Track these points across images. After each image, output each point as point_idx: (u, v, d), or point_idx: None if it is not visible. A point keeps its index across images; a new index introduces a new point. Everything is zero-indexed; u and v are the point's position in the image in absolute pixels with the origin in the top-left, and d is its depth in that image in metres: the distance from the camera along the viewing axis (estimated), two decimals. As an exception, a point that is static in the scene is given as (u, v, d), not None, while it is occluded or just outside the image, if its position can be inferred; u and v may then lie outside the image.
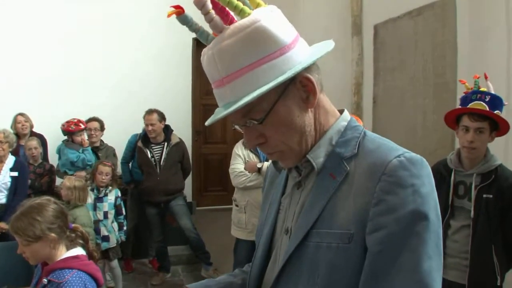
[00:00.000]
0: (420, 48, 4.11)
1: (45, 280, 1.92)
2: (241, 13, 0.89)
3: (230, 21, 0.91)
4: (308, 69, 0.92)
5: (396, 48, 4.43)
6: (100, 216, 4.04)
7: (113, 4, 5.77)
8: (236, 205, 3.74)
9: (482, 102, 2.16)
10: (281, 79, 0.86)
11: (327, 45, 0.96)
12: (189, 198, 5.87)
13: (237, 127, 0.97)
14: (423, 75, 4.08)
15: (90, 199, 4.04)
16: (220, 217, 5.93)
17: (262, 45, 0.87)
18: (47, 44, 5.56)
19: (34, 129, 5.01)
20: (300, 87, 0.92)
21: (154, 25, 5.73)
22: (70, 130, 4.74)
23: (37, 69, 5.50)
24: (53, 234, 1.93)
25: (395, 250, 0.82)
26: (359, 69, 4.97)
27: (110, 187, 4.15)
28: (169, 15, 0.96)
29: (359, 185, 0.88)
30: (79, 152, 4.64)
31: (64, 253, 1.97)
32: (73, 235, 2.08)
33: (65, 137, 4.85)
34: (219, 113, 0.91)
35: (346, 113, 1.03)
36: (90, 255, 2.10)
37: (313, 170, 0.96)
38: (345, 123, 1.00)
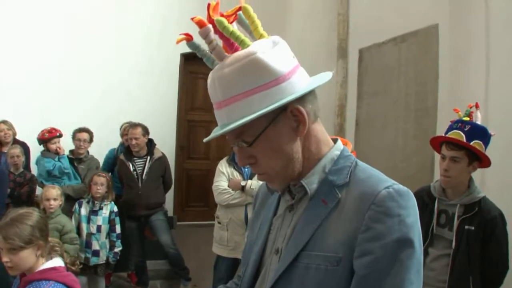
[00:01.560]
0: (403, 73, 4.23)
1: None
2: (242, 44, 0.97)
3: (235, 50, 0.98)
4: (301, 99, 0.98)
5: (380, 72, 4.54)
6: (93, 229, 3.97)
7: (102, 20, 5.81)
8: (219, 222, 3.74)
9: (460, 132, 2.18)
10: (270, 108, 0.93)
11: (325, 77, 1.02)
12: (170, 213, 5.86)
13: (233, 146, 1.03)
14: (405, 100, 4.19)
15: (85, 211, 4.00)
16: (200, 232, 5.90)
17: (257, 76, 0.94)
18: (34, 54, 5.56)
19: (18, 137, 4.96)
20: (291, 116, 0.98)
21: (142, 40, 5.78)
22: (44, 138, 4.69)
23: (24, 77, 5.47)
24: (41, 241, 1.95)
25: (380, 275, 0.88)
26: (343, 92, 5.07)
27: (105, 201, 4.09)
28: (177, 42, 1.05)
29: (349, 212, 0.95)
30: (55, 160, 4.58)
31: (43, 264, 1.97)
32: (50, 244, 2.08)
33: (43, 150, 4.80)
34: (215, 132, 1.00)
35: (339, 143, 1.10)
36: (67, 268, 2.10)
37: (306, 195, 1.03)
38: (338, 152, 1.06)
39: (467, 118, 2.25)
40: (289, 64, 0.98)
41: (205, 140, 1.05)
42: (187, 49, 1.04)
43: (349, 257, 0.92)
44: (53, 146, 4.68)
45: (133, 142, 4.54)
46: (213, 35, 0.98)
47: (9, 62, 5.46)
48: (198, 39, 1.02)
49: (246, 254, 1.17)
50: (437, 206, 2.29)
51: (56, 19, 5.66)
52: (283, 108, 0.96)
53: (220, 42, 1.00)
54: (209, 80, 1.01)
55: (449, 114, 3.59)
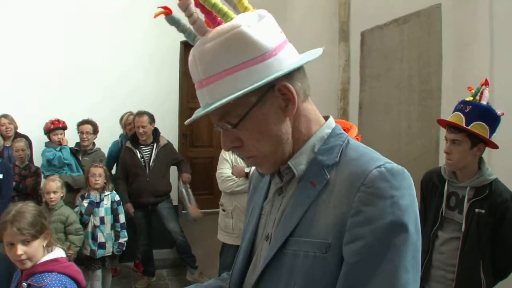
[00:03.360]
0: (405, 55, 4.17)
1: (24, 284, 1.91)
2: (225, 17, 0.90)
3: (218, 24, 0.92)
4: (289, 77, 0.91)
5: (382, 55, 4.48)
6: (97, 221, 3.96)
7: (102, 9, 5.75)
8: (223, 210, 3.74)
9: (460, 114, 2.13)
10: (256, 85, 0.86)
11: (314, 53, 0.96)
12: (175, 201, 5.85)
13: (217, 128, 0.98)
14: (408, 82, 4.14)
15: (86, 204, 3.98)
16: (205, 220, 5.90)
17: (241, 51, 0.87)
18: (35, 46, 5.53)
19: (21, 131, 4.96)
20: (279, 95, 0.91)
21: (143, 29, 5.73)
22: (48, 128, 4.69)
23: (26, 71, 5.45)
24: (48, 230, 2.00)
25: (372, 262, 0.82)
26: (346, 75, 5.02)
27: (106, 192, 4.08)
28: (155, 16, 0.98)
29: (339, 194, 0.88)
30: (56, 150, 4.59)
31: (44, 256, 1.98)
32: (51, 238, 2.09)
33: (47, 141, 4.80)
34: (197, 113, 0.93)
35: (331, 120, 1.03)
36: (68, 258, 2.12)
37: (295, 177, 0.97)
38: (329, 131, 0.99)
39: (470, 98, 2.19)
40: (276, 39, 0.91)
41: (186, 122, 0.99)
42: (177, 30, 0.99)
43: (338, 243, 0.85)
44: (55, 137, 4.68)
45: (140, 131, 4.57)
46: (193, 8, 0.91)
47: (11, 56, 5.44)
48: (179, 14, 0.95)
49: (242, 241, 1.14)
50: (447, 189, 2.25)
51: (58, 12, 5.62)
52: (270, 86, 0.90)
53: (202, 17, 0.94)
54: (189, 58, 0.94)
55: (454, 95, 3.57)
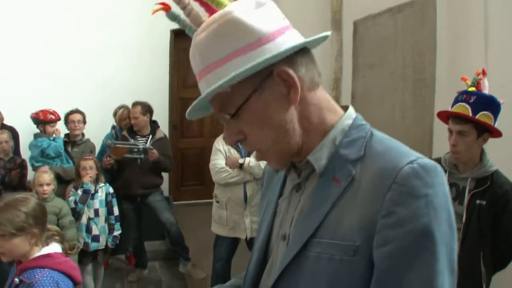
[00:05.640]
0: (399, 44, 4.15)
1: (16, 280, 1.86)
2: (218, 6, 0.88)
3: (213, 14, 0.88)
4: (290, 62, 0.86)
5: (376, 44, 4.45)
6: (91, 214, 3.89)
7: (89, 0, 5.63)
8: (217, 202, 3.70)
9: (465, 104, 2.10)
10: (245, 68, 0.81)
11: (317, 36, 0.91)
12: (166, 193, 5.80)
13: (221, 121, 0.94)
14: (402, 71, 4.12)
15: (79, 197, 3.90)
16: (197, 211, 5.89)
17: (235, 37, 0.83)
18: (21, 37, 5.39)
19: (6, 122, 4.84)
20: (280, 81, 0.85)
21: (132, 18, 5.63)
22: (47, 119, 4.59)
23: (10, 61, 5.32)
24: (36, 230, 1.89)
25: (405, 267, 0.76)
26: (338, 65, 4.98)
27: (100, 184, 4.01)
28: (154, 12, 0.95)
29: (366, 192, 0.82)
30: (50, 140, 4.50)
31: (38, 251, 1.92)
32: (49, 233, 2.03)
33: (37, 131, 4.69)
34: (193, 105, 0.90)
35: (351, 110, 0.96)
36: (66, 253, 2.05)
37: (314, 172, 0.91)
38: (350, 121, 0.93)
39: (472, 88, 2.15)
40: (276, 24, 0.86)
41: (187, 115, 0.94)
42: (178, 26, 0.96)
43: (367, 246, 0.79)
44: (51, 129, 4.59)
45: (133, 121, 4.54)
46: (187, 0, 0.89)
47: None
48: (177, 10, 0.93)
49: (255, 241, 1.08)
50: (447, 180, 2.22)
51: (44, 2, 5.47)
52: (269, 72, 0.85)
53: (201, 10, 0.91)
54: (190, 50, 0.91)
55: (448, 85, 3.56)
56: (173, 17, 0.94)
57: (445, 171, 2.25)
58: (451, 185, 2.22)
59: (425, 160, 0.81)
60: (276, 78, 0.85)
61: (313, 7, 5.25)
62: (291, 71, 0.85)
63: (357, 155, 0.87)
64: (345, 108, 0.96)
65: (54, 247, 1.97)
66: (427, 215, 0.76)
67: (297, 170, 0.96)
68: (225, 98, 0.86)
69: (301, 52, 0.88)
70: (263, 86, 0.85)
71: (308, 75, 0.89)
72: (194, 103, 0.87)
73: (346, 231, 0.81)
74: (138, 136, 4.61)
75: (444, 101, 3.42)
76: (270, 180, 1.12)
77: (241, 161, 3.51)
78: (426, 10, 3.78)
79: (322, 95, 0.93)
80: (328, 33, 0.94)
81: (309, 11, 5.26)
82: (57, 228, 2.13)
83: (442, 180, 0.82)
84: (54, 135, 4.63)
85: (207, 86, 0.85)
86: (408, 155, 0.82)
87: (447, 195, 0.82)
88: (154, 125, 4.73)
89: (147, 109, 4.57)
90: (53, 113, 4.66)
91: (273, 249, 0.97)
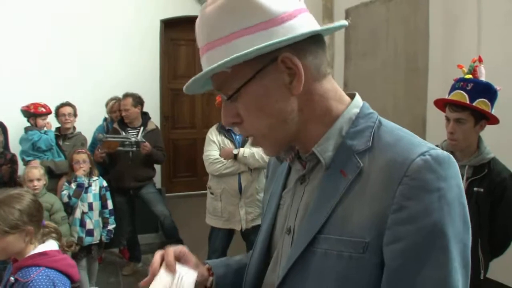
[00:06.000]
0: (391, 33, 4.14)
1: (12, 279, 1.82)
2: None
3: None
4: (297, 49, 0.80)
5: (368, 32, 4.44)
6: (85, 208, 3.83)
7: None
8: (211, 193, 3.67)
9: (462, 92, 2.09)
10: (248, 51, 0.75)
11: (333, 25, 0.85)
12: (158, 185, 5.77)
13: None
14: (394, 60, 4.12)
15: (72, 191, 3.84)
16: (190, 203, 5.86)
17: (243, 15, 0.78)
18: (8, 32, 5.26)
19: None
20: (284, 69, 0.80)
21: (121, 8, 5.53)
22: (39, 112, 4.51)
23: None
24: (30, 227, 1.84)
25: (417, 265, 0.73)
26: (330, 53, 4.97)
27: (94, 178, 3.96)
28: None
29: (376, 186, 0.77)
30: (41, 133, 4.43)
31: (33, 249, 1.87)
32: (46, 230, 1.98)
33: (27, 125, 4.62)
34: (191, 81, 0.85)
35: (357, 98, 0.90)
36: (64, 250, 2.01)
37: (320, 163, 0.86)
38: (357, 110, 0.87)
39: (469, 76, 2.14)
40: (289, 5, 0.79)
41: (184, 89, 0.88)
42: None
43: (377, 242, 0.75)
44: (42, 122, 4.51)
45: (124, 114, 4.48)
46: None
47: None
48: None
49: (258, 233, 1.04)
50: None
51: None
52: (273, 58, 0.79)
53: None
54: (196, 21, 0.86)
55: (441, 74, 3.56)
56: None
57: None
58: None
59: (438, 151, 0.77)
60: (280, 65, 0.80)
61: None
62: (296, 59, 0.79)
63: (364, 146, 0.82)
64: (351, 96, 0.91)
65: (50, 245, 1.93)
66: (440, 210, 0.73)
67: (302, 160, 0.91)
68: (225, 78, 0.82)
69: (311, 39, 0.82)
70: (265, 71, 0.80)
71: (315, 64, 0.83)
72: (194, 78, 0.81)
73: (355, 227, 0.78)
74: (129, 128, 4.55)
75: (437, 89, 3.43)
76: (274, 172, 1.07)
77: (235, 151, 3.48)
78: (418, -2, 3.78)
79: (329, 86, 0.86)
80: (346, 22, 0.88)
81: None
82: (54, 225, 2.08)
83: (455, 172, 0.78)
84: (45, 128, 4.57)
85: (208, 63, 0.81)
86: (420, 146, 0.78)
87: (461, 188, 0.78)
88: (145, 116, 4.68)
89: (138, 101, 4.52)
90: (44, 106, 4.58)
91: (278, 242, 0.94)
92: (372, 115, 0.87)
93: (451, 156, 0.78)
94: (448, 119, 2.15)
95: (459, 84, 2.12)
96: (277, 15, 0.78)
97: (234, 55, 0.75)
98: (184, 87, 0.87)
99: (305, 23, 0.81)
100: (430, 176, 0.74)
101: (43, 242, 1.93)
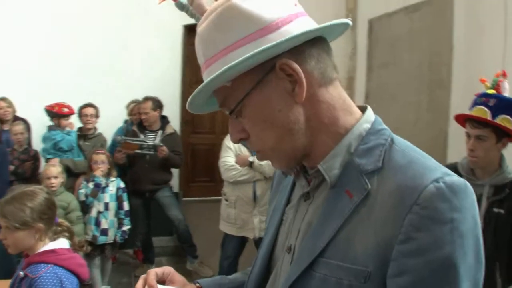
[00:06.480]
0: (415, 44, 4.08)
1: (21, 273, 1.84)
2: None
3: None
4: (297, 54, 0.76)
5: (391, 43, 4.39)
6: (101, 207, 3.87)
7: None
8: (226, 200, 3.66)
9: (484, 107, 1.99)
10: (239, 60, 0.72)
11: (333, 22, 0.79)
12: (176, 189, 5.79)
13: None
14: (417, 71, 4.05)
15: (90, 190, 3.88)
16: (206, 208, 5.85)
17: (235, 27, 0.75)
18: (34, 30, 5.39)
19: (18, 114, 4.87)
20: (284, 76, 0.76)
21: (144, 12, 5.60)
22: (63, 113, 4.60)
23: (24, 55, 5.33)
24: (40, 224, 1.86)
25: None
26: (352, 64, 4.93)
27: (112, 178, 4.00)
28: (160, 2, 0.93)
29: (383, 211, 0.72)
30: (64, 133, 4.51)
31: (43, 246, 1.89)
32: (59, 228, 2.00)
33: (50, 124, 4.71)
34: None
35: (369, 112, 0.84)
36: (75, 249, 2.02)
37: (325, 182, 0.81)
38: (368, 126, 0.81)
39: (492, 91, 2.04)
40: (283, 11, 0.76)
41: (187, 107, 0.85)
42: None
43: (380, 273, 0.70)
44: (66, 122, 4.60)
45: (143, 117, 4.51)
46: None
47: (10, 40, 5.31)
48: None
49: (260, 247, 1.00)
50: None
51: None
52: (272, 66, 0.75)
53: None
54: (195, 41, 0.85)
55: (464, 86, 3.49)
56: (181, 7, 0.91)
57: (462, 177, 2.16)
58: None
59: (453, 178, 0.71)
60: (279, 72, 0.76)
61: (328, 5, 5.19)
62: (295, 65, 0.75)
63: (374, 166, 0.76)
64: (362, 109, 0.85)
65: (61, 243, 1.94)
66: (451, 244, 0.67)
67: (308, 176, 0.86)
68: (226, 93, 0.79)
69: (312, 42, 0.78)
70: (265, 81, 0.76)
71: (318, 69, 0.78)
72: (193, 94, 0.79)
73: (357, 253, 0.72)
74: (147, 131, 4.58)
75: (460, 103, 3.35)
76: (279, 184, 1.03)
77: (251, 159, 3.46)
78: (443, 8, 3.71)
79: (336, 93, 0.81)
80: (347, 20, 0.83)
81: (323, 9, 5.18)
82: (67, 224, 2.09)
83: (471, 202, 0.71)
84: (68, 128, 4.64)
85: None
86: (434, 171, 0.72)
87: (476, 220, 0.71)
88: (164, 120, 4.70)
89: (158, 105, 4.55)
90: (68, 106, 4.67)
91: (278, 260, 0.90)
92: (384, 132, 0.81)
93: (468, 184, 0.73)
94: (468, 135, 2.07)
95: (481, 99, 2.03)
96: (270, 22, 0.75)
97: (225, 67, 0.73)
98: (187, 105, 0.84)
99: (303, 27, 0.76)
100: (442, 206, 0.68)
101: (54, 240, 1.94)
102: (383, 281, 0.70)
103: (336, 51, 0.83)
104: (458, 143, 3.13)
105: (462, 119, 2.12)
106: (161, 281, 0.95)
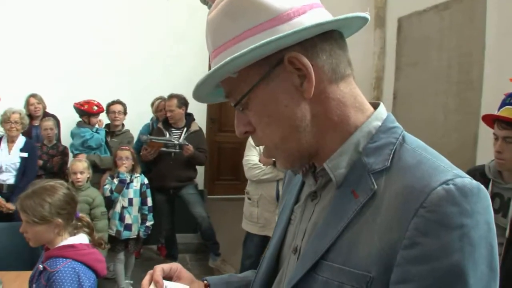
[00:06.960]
0: (445, 43, 3.96)
1: (40, 266, 1.88)
2: None
3: None
4: (307, 48, 0.73)
5: (420, 42, 4.28)
6: (125, 203, 3.94)
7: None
8: (249, 198, 3.65)
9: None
10: (245, 51, 0.68)
11: (349, 15, 0.76)
12: (201, 186, 5.82)
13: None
14: (447, 72, 3.93)
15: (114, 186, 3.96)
16: (231, 207, 5.86)
17: (245, 15, 0.72)
18: (64, 29, 5.51)
19: (48, 110, 4.99)
20: (293, 70, 0.73)
21: (174, 10, 5.65)
22: (92, 111, 4.68)
23: (54, 51, 5.46)
24: (59, 220, 1.89)
25: None
26: (381, 63, 4.83)
27: (136, 174, 4.05)
28: None
29: (388, 214, 0.68)
30: (93, 131, 4.59)
31: (63, 241, 1.92)
32: (79, 223, 2.03)
33: (79, 120, 4.81)
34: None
35: (381, 109, 0.80)
36: (94, 245, 2.05)
37: (332, 181, 0.78)
38: (379, 123, 0.77)
39: None
40: (297, 1, 0.73)
41: (192, 95, 0.82)
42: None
43: (383, 279, 0.66)
44: (95, 120, 4.71)
45: (168, 114, 4.56)
46: None
47: (41, 38, 5.45)
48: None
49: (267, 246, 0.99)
50: (491, 189, 2.04)
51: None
52: (280, 59, 0.72)
53: None
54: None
55: (496, 87, 3.36)
56: (204, 1, 0.87)
57: (489, 180, 2.08)
58: (495, 195, 2.04)
59: (465, 180, 0.65)
60: (287, 66, 0.73)
61: (356, 3, 5.11)
62: (304, 58, 0.72)
63: (382, 165, 0.72)
64: (376, 106, 0.81)
65: (80, 238, 1.97)
66: (460, 251, 0.62)
67: (315, 173, 0.83)
68: (232, 84, 0.77)
69: (325, 36, 0.74)
70: (272, 74, 0.73)
71: (330, 64, 0.74)
72: (197, 84, 0.77)
73: (360, 257, 0.69)
74: (173, 129, 4.63)
75: (491, 104, 3.24)
76: (289, 182, 1.01)
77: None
78: (475, 7, 3.59)
79: (348, 90, 0.77)
80: (364, 14, 0.80)
81: (352, 6, 5.11)
82: (88, 219, 2.13)
83: (485, 207, 0.65)
84: (97, 126, 4.73)
85: None
86: (444, 172, 0.67)
87: (490, 226, 0.65)
88: (189, 117, 4.75)
89: (183, 102, 4.59)
90: (98, 104, 4.76)
91: (285, 260, 0.88)
92: (396, 130, 0.77)
93: (482, 187, 0.67)
94: (496, 137, 2.00)
95: (510, 99, 1.97)
96: (281, 12, 0.71)
97: (229, 57, 0.69)
98: (192, 94, 0.82)
99: (316, 19, 0.72)
100: (451, 210, 0.62)
101: (74, 234, 1.97)
102: (386, 287, 0.66)
103: (365, 50, 0.80)
104: (488, 146, 3.03)
105: (490, 120, 2.05)
106: (168, 277, 0.94)
